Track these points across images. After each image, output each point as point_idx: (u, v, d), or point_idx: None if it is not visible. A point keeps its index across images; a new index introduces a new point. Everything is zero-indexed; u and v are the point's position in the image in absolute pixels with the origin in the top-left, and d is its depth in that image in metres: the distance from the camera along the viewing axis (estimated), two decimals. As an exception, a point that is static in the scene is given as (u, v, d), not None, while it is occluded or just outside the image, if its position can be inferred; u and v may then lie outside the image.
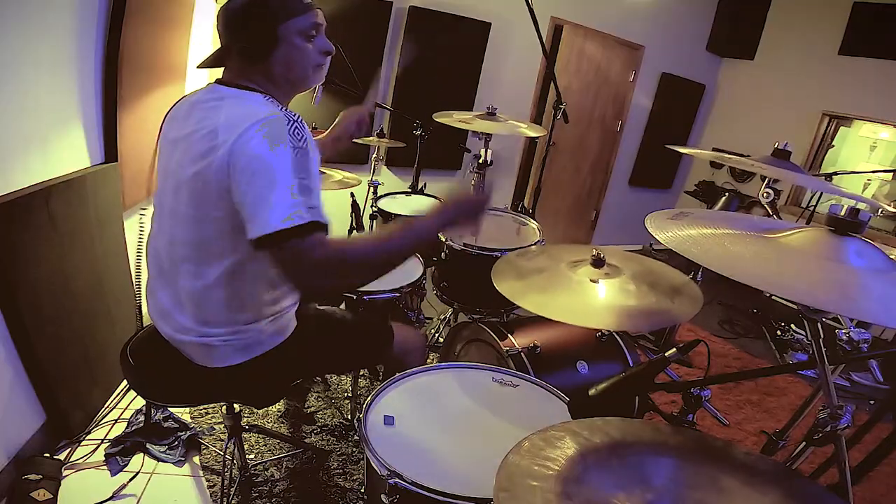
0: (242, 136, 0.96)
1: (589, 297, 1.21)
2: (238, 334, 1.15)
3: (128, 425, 1.90)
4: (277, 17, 1.06)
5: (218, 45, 1.13)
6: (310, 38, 1.11)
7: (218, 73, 1.15)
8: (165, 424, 1.89)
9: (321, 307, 1.47)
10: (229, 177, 0.97)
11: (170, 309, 1.16)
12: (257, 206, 0.94)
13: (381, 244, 1.02)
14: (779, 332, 3.41)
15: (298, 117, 1.02)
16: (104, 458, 1.75)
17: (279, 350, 1.22)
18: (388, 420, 1.15)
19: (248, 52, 1.09)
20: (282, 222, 0.91)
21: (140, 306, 1.98)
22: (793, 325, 3.43)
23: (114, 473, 1.71)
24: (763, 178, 1.96)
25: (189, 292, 1.11)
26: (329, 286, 1.04)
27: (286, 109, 1.03)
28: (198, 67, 1.21)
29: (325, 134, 1.55)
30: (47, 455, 1.67)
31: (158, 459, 1.79)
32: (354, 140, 1.59)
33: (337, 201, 2.76)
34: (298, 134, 0.98)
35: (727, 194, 4.44)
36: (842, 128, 4.43)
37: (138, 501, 1.63)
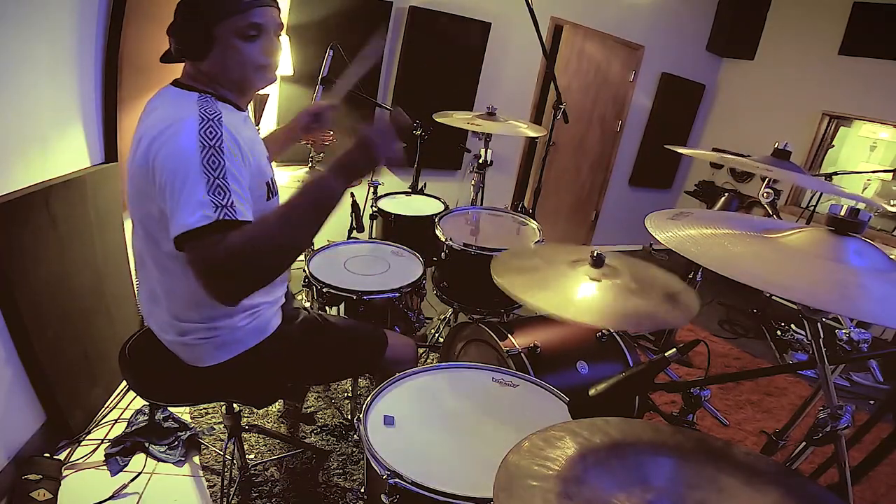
0: (157, 139, 0.96)
1: (587, 294, 1.21)
2: (213, 331, 1.15)
3: (128, 425, 1.90)
4: (212, 15, 1.03)
5: None
6: (249, 38, 1.07)
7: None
8: (165, 424, 1.89)
9: (311, 310, 1.47)
10: (154, 179, 0.97)
11: (149, 305, 1.19)
12: (172, 208, 0.93)
13: (280, 219, 0.95)
14: (779, 332, 3.41)
15: (216, 116, 1.00)
16: (104, 458, 1.75)
17: (262, 349, 1.22)
18: (388, 420, 1.15)
19: (183, 52, 1.08)
20: (188, 223, 0.89)
21: (139, 306, 1.99)
22: (793, 325, 3.43)
23: (114, 473, 1.71)
24: (763, 178, 1.96)
25: (161, 287, 1.13)
26: (239, 286, 0.92)
27: (206, 109, 1.01)
28: (160, 61, 1.18)
29: (279, 127, 1.54)
30: (47, 455, 1.67)
31: (158, 459, 1.79)
32: (307, 135, 1.53)
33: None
34: (211, 132, 0.97)
35: (727, 194, 4.43)
36: (842, 128, 4.43)
37: (138, 501, 1.63)
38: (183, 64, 1.13)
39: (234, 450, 1.60)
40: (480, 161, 2.50)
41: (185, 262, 0.94)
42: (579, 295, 1.19)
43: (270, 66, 1.13)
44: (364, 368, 1.58)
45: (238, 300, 0.94)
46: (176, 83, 1.11)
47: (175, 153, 0.94)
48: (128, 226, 2.16)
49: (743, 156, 1.94)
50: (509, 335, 1.62)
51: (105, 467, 1.73)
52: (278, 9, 1.13)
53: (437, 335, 2.62)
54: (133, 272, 2.13)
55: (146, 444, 1.81)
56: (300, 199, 0.96)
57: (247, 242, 0.90)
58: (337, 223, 2.83)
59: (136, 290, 2.01)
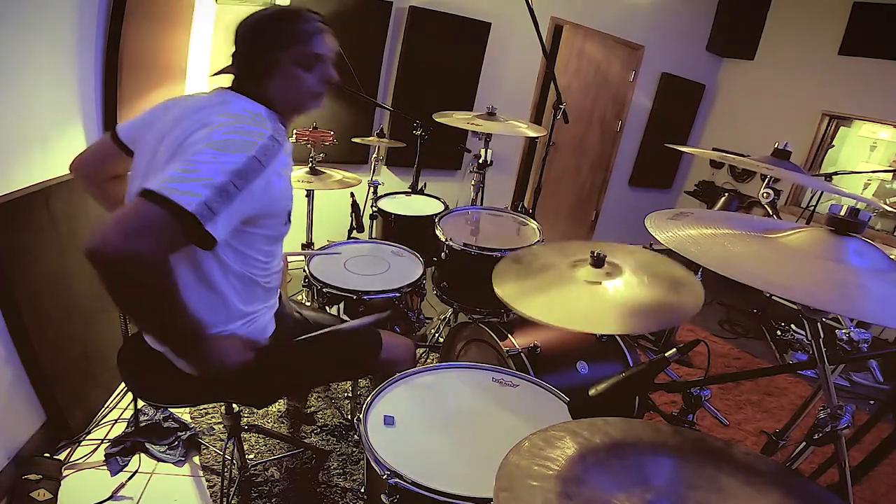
0: (221, 120, 0.97)
1: (591, 300, 1.21)
2: None
3: (128, 425, 1.90)
4: (277, 45, 1.07)
5: (223, 45, 1.15)
6: (309, 68, 1.11)
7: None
8: (165, 424, 1.89)
9: (304, 312, 1.46)
10: (176, 137, 0.97)
11: None
12: (162, 164, 0.94)
13: (173, 306, 0.92)
14: (779, 332, 3.41)
15: (280, 147, 1.01)
16: (104, 458, 1.75)
17: (258, 353, 1.21)
18: (388, 420, 1.15)
19: (246, 76, 1.11)
20: (158, 185, 0.85)
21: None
22: (793, 325, 3.43)
23: (113, 473, 1.71)
24: (763, 177, 1.96)
25: None
26: (116, 259, 0.82)
27: (278, 132, 1.03)
28: (211, 76, 1.22)
29: None
30: (47, 455, 1.67)
31: (158, 459, 1.79)
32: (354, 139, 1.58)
33: (337, 201, 2.77)
34: (268, 153, 0.97)
35: (727, 194, 4.43)
36: (842, 128, 4.43)
37: (138, 501, 1.63)
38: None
39: (233, 450, 1.60)
40: (480, 161, 2.50)
41: (189, 263, 0.96)
42: (580, 303, 1.18)
43: (324, 94, 1.17)
44: (359, 370, 1.57)
45: (107, 260, 0.82)
46: (235, 89, 1.12)
47: (228, 138, 0.94)
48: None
49: (743, 156, 1.94)
50: (509, 335, 1.62)
51: (105, 467, 1.73)
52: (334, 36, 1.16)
53: (437, 335, 2.62)
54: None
55: (146, 444, 1.81)
56: (185, 321, 0.95)
57: (155, 265, 0.85)
58: (337, 223, 2.83)
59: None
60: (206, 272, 1.06)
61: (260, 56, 1.08)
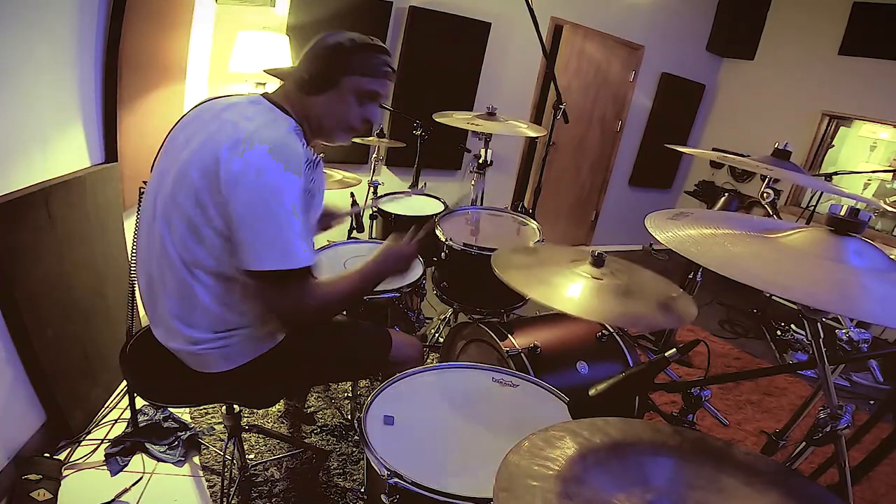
0: (252, 152, 0.97)
1: (586, 290, 1.21)
2: (226, 343, 1.14)
3: (128, 425, 1.90)
4: (350, 68, 1.10)
5: (223, 45, 1.16)
6: (362, 102, 1.14)
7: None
8: (165, 424, 1.89)
9: None
10: (228, 190, 0.97)
11: (154, 311, 1.17)
12: (255, 234, 0.96)
13: (351, 290, 1.16)
14: (779, 332, 3.41)
15: (317, 159, 1.07)
16: (104, 458, 1.75)
17: (270, 355, 1.21)
18: (388, 420, 1.15)
19: (303, 83, 1.12)
20: (278, 262, 0.95)
21: (135, 307, 1.98)
22: (793, 325, 3.43)
23: (114, 473, 1.71)
24: (763, 178, 1.96)
25: (180, 297, 1.10)
26: (311, 322, 1.15)
27: (307, 147, 1.06)
28: (264, 71, 1.30)
29: None
30: (47, 455, 1.67)
31: (158, 459, 1.79)
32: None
33: (337, 201, 2.77)
34: (310, 173, 1.02)
35: (727, 194, 4.42)
36: (842, 128, 4.43)
37: (138, 501, 1.63)
38: (281, 83, 1.18)
39: (234, 450, 1.60)
40: (480, 161, 2.50)
41: (253, 291, 1.05)
42: (579, 290, 1.19)
43: (357, 130, 1.20)
44: (369, 369, 1.58)
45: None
46: (268, 97, 1.13)
47: (276, 177, 0.96)
48: (128, 226, 2.16)
49: (743, 156, 1.94)
50: (509, 335, 1.62)
51: (105, 467, 1.73)
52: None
53: (437, 335, 2.62)
54: (134, 273, 2.12)
55: (146, 444, 1.81)
56: (369, 271, 1.20)
57: (336, 294, 1.11)
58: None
59: (133, 290, 2.01)
60: (232, 282, 1.09)
61: (328, 71, 1.10)
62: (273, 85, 2.44)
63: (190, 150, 1.04)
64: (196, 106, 1.17)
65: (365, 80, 1.11)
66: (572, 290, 1.20)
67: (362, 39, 1.12)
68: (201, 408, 2.06)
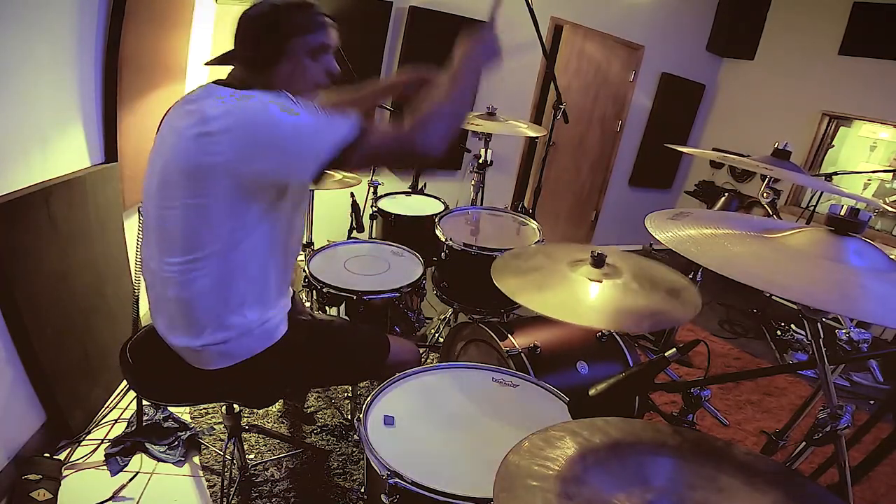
0: (230, 98, 0.98)
1: (588, 295, 1.21)
2: (225, 338, 1.14)
3: (128, 425, 1.90)
4: (289, 32, 1.07)
5: (223, 45, 1.14)
6: (316, 58, 1.12)
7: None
8: (165, 424, 1.89)
9: (316, 316, 1.46)
10: (241, 152, 0.97)
11: (158, 306, 1.18)
12: (304, 146, 0.99)
13: (448, 95, 1.11)
14: (779, 332, 3.41)
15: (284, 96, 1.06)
16: (104, 458, 1.75)
17: (269, 353, 1.21)
18: (388, 420, 1.15)
19: (252, 62, 1.10)
20: (346, 133, 0.98)
21: (137, 305, 1.98)
22: (793, 325, 3.43)
23: (114, 473, 1.71)
24: (763, 178, 1.96)
25: (184, 289, 1.10)
26: (431, 146, 1.06)
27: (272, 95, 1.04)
28: (204, 64, 1.24)
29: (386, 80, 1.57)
30: (47, 455, 1.67)
31: (158, 459, 1.79)
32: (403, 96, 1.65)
33: (337, 201, 2.76)
34: (287, 103, 1.02)
35: (727, 194, 4.44)
36: (842, 128, 4.43)
37: (138, 501, 1.63)
38: (230, 68, 1.16)
39: (234, 450, 1.60)
40: (480, 161, 2.50)
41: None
42: (580, 297, 1.19)
43: (325, 86, 1.18)
44: (366, 374, 1.58)
45: (443, 145, 1.07)
46: (221, 83, 1.10)
47: (285, 118, 0.98)
48: (128, 226, 2.16)
49: (743, 156, 1.94)
50: (509, 335, 1.62)
51: (105, 467, 1.73)
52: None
53: (437, 335, 2.62)
54: (133, 272, 2.12)
55: (146, 444, 1.81)
56: (464, 67, 1.15)
57: (430, 111, 1.07)
58: (337, 223, 2.83)
59: (135, 290, 2.01)
60: (231, 273, 1.09)
61: (270, 43, 1.08)
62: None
63: (174, 132, 1.05)
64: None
65: (309, 37, 1.10)
66: (574, 295, 1.19)
67: (288, 1, 1.10)
68: (201, 408, 2.06)
